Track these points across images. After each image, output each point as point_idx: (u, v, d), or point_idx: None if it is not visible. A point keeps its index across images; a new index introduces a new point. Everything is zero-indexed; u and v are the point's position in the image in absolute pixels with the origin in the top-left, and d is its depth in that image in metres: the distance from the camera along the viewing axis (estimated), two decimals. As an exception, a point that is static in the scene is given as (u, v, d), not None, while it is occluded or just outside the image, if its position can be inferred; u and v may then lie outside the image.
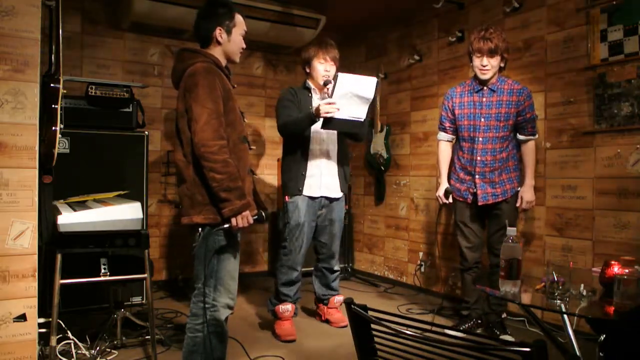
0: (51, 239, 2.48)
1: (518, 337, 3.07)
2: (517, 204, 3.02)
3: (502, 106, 2.98)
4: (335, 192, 3.24)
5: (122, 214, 2.60)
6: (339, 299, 3.40)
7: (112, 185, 3.27)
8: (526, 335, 3.20)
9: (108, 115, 3.47)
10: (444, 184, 3.21)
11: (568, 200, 3.25)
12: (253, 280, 4.58)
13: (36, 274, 2.17)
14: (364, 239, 5.07)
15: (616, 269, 1.78)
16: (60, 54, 2.30)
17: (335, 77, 2.82)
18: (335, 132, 3.17)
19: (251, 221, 2.05)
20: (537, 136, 3.06)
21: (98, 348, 2.67)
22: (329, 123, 2.90)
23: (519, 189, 3.03)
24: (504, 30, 3.62)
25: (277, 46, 4.74)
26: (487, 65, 2.93)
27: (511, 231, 1.88)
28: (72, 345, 2.64)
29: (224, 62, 2.19)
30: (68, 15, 3.90)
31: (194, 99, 1.99)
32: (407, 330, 1.10)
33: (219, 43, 2.15)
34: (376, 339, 1.22)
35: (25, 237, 2.14)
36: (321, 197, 3.19)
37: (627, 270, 1.65)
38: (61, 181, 2.73)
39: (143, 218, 2.77)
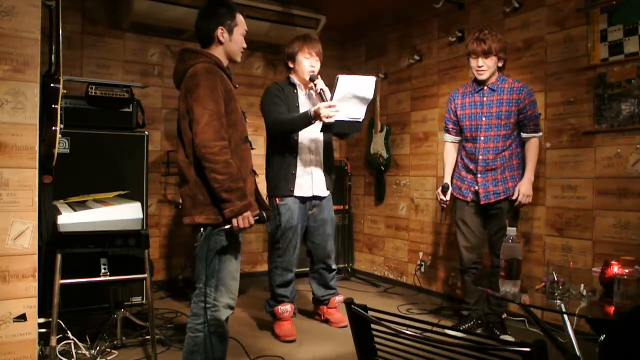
0: (51, 239, 2.48)
1: (518, 337, 3.07)
2: (514, 196, 2.96)
3: (503, 104, 2.98)
4: (324, 190, 3.22)
5: (122, 214, 2.60)
6: (339, 298, 3.39)
7: (112, 185, 3.27)
8: (526, 335, 3.20)
9: (108, 115, 3.46)
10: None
11: (568, 200, 3.25)
12: (253, 280, 4.58)
13: (36, 274, 2.17)
14: (364, 239, 5.07)
15: (616, 269, 1.78)
16: (60, 54, 2.30)
17: (335, 80, 2.80)
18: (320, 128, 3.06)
19: (252, 222, 2.04)
20: (540, 134, 3.04)
21: (98, 348, 2.67)
22: (328, 126, 2.87)
23: None
24: (504, 30, 3.62)
25: (277, 46, 4.74)
26: (482, 66, 2.97)
27: (511, 231, 1.88)
28: (72, 345, 2.64)
29: (225, 62, 2.18)
30: (68, 15, 3.90)
31: (195, 100, 1.99)
32: (407, 330, 1.10)
33: (220, 43, 2.15)
34: (376, 339, 1.22)
35: (25, 237, 2.14)
36: (312, 196, 3.17)
37: (627, 270, 1.64)
38: (61, 181, 2.73)
39: (143, 218, 2.77)
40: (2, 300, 2.10)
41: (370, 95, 2.89)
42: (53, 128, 2.21)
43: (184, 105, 2.05)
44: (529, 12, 3.51)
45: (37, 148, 2.17)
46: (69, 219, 2.46)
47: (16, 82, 2.12)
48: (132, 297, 3.49)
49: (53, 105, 2.23)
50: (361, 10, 4.49)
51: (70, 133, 3.26)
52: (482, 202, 3.04)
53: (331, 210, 3.31)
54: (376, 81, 2.91)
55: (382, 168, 4.71)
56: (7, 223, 2.10)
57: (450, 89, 3.79)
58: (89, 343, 2.73)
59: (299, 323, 3.33)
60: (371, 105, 3.01)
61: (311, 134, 3.10)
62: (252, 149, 2.26)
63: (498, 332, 3.06)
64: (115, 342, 2.79)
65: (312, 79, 3.06)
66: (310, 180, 3.14)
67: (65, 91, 2.32)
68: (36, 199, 2.16)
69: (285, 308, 3.13)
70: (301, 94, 3.18)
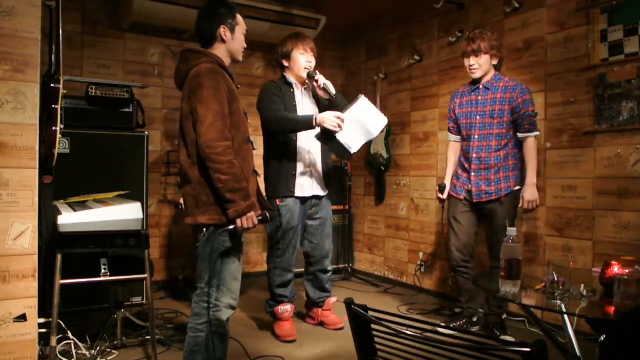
0: (51, 239, 2.48)
1: (518, 337, 3.07)
2: (519, 205, 2.98)
3: (496, 103, 2.99)
4: (323, 189, 3.23)
5: (122, 214, 2.60)
6: (333, 300, 3.37)
7: (112, 185, 3.27)
8: (526, 335, 3.20)
9: (108, 115, 3.46)
10: (446, 182, 3.24)
11: (568, 200, 3.25)
12: (253, 281, 4.58)
13: (36, 274, 2.17)
14: (364, 239, 5.07)
15: (616, 269, 1.78)
16: (60, 54, 2.30)
17: (356, 97, 2.81)
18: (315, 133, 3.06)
19: (256, 222, 2.04)
20: (536, 133, 2.99)
21: (98, 348, 2.67)
22: (325, 135, 2.86)
23: (516, 188, 2.99)
24: (504, 30, 3.62)
25: (277, 46, 4.73)
26: (474, 64, 3.00)
27: (511, 231, 1.87)
28: (72, 345, 2.64)
29: (227, 61, 2.18)
30: (68, 15, 3.90)
31: (198, 100, 1.98)
32: (407, 330, 1.10)
33: (223, 41, 2.15)
34: (376, 339, 1.22)
35: (25, 237, 2.14)
36: (312, 196, 3.17)
37: (627, 270, 1.64)
38: (61, 181, 2.73)
39: (143, 218, 2.77)
40: (2, 300, 2.10)
41: (376, 132, 2.92)
42: (53, 128, 2.21)
43: (187, 105, 2.05)
44: (529, 12, 3.51)
45: (37, 148, 2.17)
46: (69, 219, 2.46)
47: (16, 82, 2.12)
48: (132, 297, 3.50)
49: (53, 105, 2.23)
50: (361, 10, 4.49)
51: (70, 133, 3.26)
52: (474, 201, 3.05)
53: (330, 209, 3.32)
54: (386, 123, 2.97)
55: (382, 168, 4.71)
56: (7, 223, 2.11)
57: (450, 89, 3.80)
58: (89, 343, 2.73)
59: (298, 323, 3.33)
60: (366, 146, 3.01)
61: (309, 133, 3.09)
62: (254, 149, 2.26)
63: (498, 332, 3.06)
64: (115, 342, 2.79)
65: (310, 76, 3.04)
66: (310, 180, 3.14)
67: (65, 91, 2.32)
68: (36, 199, 2.16)
69: (285, 308, 3.12)
70: (297, 92, 3.17)
